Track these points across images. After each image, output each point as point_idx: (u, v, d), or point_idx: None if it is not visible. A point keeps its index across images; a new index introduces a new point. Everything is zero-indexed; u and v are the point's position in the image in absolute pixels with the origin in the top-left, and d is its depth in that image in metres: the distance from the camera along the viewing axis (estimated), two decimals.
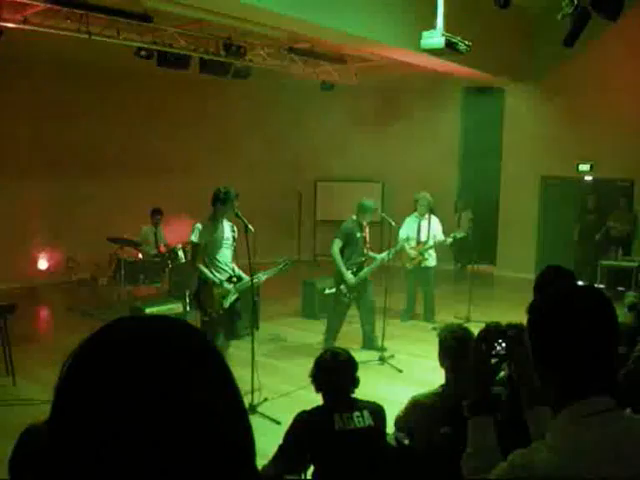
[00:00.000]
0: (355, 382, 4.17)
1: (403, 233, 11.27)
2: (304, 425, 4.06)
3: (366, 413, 4.00)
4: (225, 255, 7.78)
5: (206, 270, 7.65)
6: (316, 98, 16.31)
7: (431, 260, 11.52)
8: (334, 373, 4.10)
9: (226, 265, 7.81)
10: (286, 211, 18.61)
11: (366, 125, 17.14)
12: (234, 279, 7.83)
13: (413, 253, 11.37)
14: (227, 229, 7.78)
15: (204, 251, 7.65)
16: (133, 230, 13.01)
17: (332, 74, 14.60)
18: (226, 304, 7.73)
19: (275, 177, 18.05)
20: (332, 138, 17.68)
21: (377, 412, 4.04)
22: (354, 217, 9.67)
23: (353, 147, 17.47)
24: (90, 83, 14.42)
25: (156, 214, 13.06)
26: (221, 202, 7.61)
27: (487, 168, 16.66)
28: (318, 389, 4.18)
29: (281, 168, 18.20)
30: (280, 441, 4.09)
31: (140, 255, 12.67)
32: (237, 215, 7.45)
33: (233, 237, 7.82)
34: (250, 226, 7.26)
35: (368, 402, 4.14)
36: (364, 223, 9.72)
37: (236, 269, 7.95)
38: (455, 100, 17.30)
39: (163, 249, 13.01)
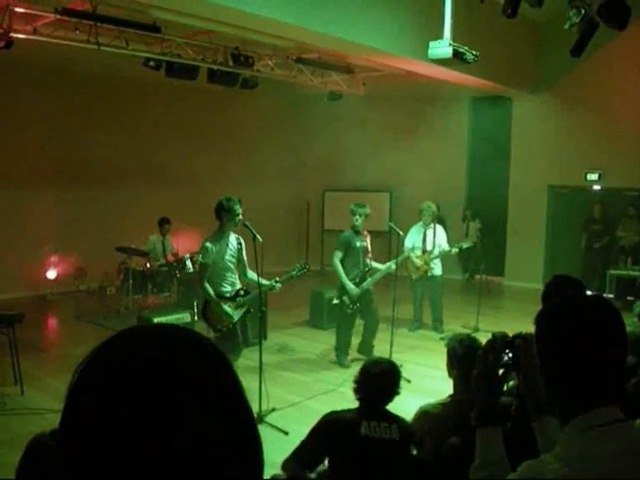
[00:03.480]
0: (391, 395, 4.16)
1: (408, 242, 11.23)
2: (331, 424, 4.12)
3: (394, 427, 4.00)
4: (233, 268, 7.76)
5: (211, 291, 7.59)
6: (324, 108, 16.33)
7: (437, 269, 11.49)
8: (371, 382, 4.11)
9: (233, 278, 7.80)
10: (294, 221, 18.64)
11: (374, 135, 17.15)
12: (241, 292, 7.81)
13: (419, 262, 11.33)
14: (233, 241, 7.76)
15: (212, 267, 7.61)
16: (141, 240, 13.05)
17: (339, 84, 14.63)
18: (235, 318, 7.72)
19: (283, 187, 18.09)
20: (340, 148, 17.69)
21: (406, 431, 4.04)
22: (352, 226, 9.57)
23: (361, 157, 17.47)
24: (99, 94, 14.50)
25: (164, 223, 13.09)
26: (226, 211, 7.52)
27: (495, 178, 16.67)
28: (355, 394, 4.18)
29: (289, 178, 18.24)
30: (303, 437, 4.16)
31: (148, 265, 12.70)
32: (245, 225, 7.43)
33: (239, 249, 7.78)
34: (258, 236, 7.26)
35: (401, 419, 4.13)
36: (364, 232, 9.64)
37: (238, 283, 7.92)
38: (463, 110, 17.31)
39: (171, 259, 13.04)
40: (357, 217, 9.42)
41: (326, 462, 4.11)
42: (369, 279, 9.54)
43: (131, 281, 12.28)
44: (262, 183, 17.26)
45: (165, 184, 15.55)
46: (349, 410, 4.17)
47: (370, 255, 9.70)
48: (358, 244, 9.49)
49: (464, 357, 4.13)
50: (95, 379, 0.93)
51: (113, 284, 14.33)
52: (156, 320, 9.22)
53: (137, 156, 15.23)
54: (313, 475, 4.13)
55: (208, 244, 7.56)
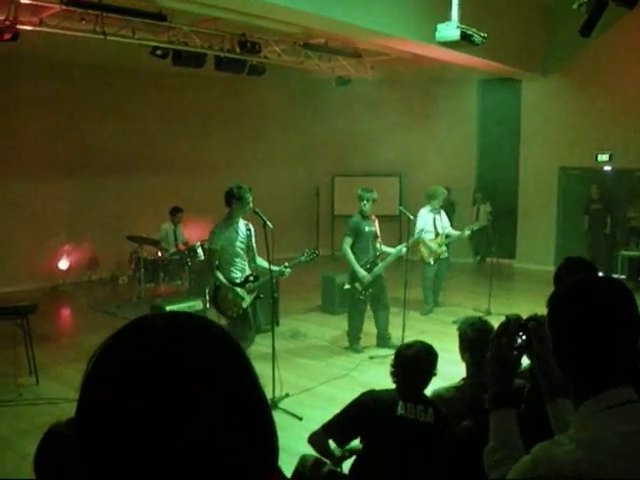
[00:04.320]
0: (426, 377, 4.16)
1: (420, 224, 11.21)
2: (367, 402, 4.13)
3: (430, 411, 4.00)
4: (242, 255, 7.77)
5: (221, 277, 7.61)
6: (332, 93, 16.27)
7: (446, 252, 11.77)
8: (406, 365, 4.12)
9: (243, 265, 7.80)
10: (304, 207, 18.62)
11: (383, 119, 17.08)
12: (251, 278, 7.81)
13: (435, 246, 11.42)
14: (242, 227, 7.76)
15: (221, 253, 7.63)
16: (153, 229, 13.09)
17: (347, 69, 14.56)
18: (245, 304, 7.72)
19: (293, 173, 18.07)
20: (349, 133, 17.65)
21: (441, 416, 4.03)
22: (359, 211, 9.56)
23: (370, 141, 17.43)
24: (108, 83, 14.50)
25: (176, 212, 13.12)
26: (237, 199, 7.55)
27: (505, 160, 16.60)
28: (392, 375, 4.19)
29: (298, 164, 18.22)
30: (338, 411, 4.17)
31: (159, 253, 12.73)
32: (255, 212, 7.42)
33: (248, 235, 7.78)
34: (269, 222, 7.26)
35: (436, 404, 4.13)
36: (373, 217, 9.62)
37: (247, 269, 7.92)
38: (472, 92, 17.23)
39: (182, 247, 13.07)
40: (364, 202, 9.39)
41: (355, 442, 4.13)
42: (380, 264, 9.51)
43: (143, 270, 12.33)
44: (271, 169, 17.27)
45: (175, 172, 15.57)
46: (387, 390, 4.18)
47: (380, 240, 9.69)
48: (367, 229, 9.46)
49: (476, 340, 4.13)
50: (109, 368, 0.93)
51: (125, 273, 14.40)
52: (168, 308, 9.25)
53: (147, 145, 15.26)
54: (339, 452, 4.15)
55: (217, 230, 7.61)
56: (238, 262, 7.74)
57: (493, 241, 13.21)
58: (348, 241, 9.42)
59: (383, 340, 9.69)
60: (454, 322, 9.06)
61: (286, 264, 7.82)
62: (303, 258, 8.03)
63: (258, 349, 8.17)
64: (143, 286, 12.48)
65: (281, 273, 7.80)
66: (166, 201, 13.47)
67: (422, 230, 11.12)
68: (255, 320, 8.01)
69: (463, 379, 4.30)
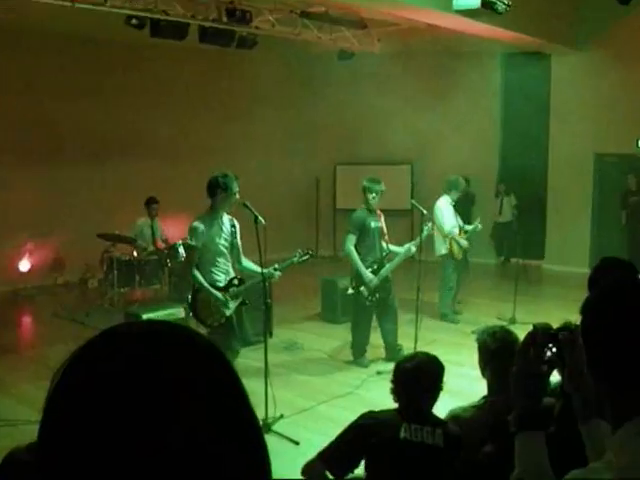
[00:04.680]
0: (432, 393, 4.16)
1: (449, 222, 11.32)
2: (366, 425, 4.12)
3: (439, 432, 3.99)
4: (226, 254, 7.74)
5: (201, 278, 7.56)
6: (334, 69, 16.28)
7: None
8: (410, 380, 4.11)
9: (227, 266, 7.77)
10: (301, 199, 18.64)
11: (392, 99, 17.05)
12: (235, 281, 7.78)
13: (464, 242, 11.54)
14: (226, 223, 7.73)
15: (202, 252, 7.58)
16: (128, 225, 13.05)
17: (351, 41, 14.55)
18: (228, 311, 7.70)
19: (288, 161, 18.07)
20: (353, 115, 17.66)
21: (453, 437, 4.01)
22: (364, 205, 9.51)
23: (377, 124, 17.44)
24: (76, 58, 14.48)
25: (152, 203, 13.08)
26: (222, 189, 7.48)
27: (533, 146, 16.58)
28: (393, 394, 4.19)
29: (295, 151, 18.22)
30: (333, 438, 4.15)
31: (135, 253, 12.71)
32: (245, 205, 7.41)
33: (233, 232, 7.74)
34: (260, 217, 7.25)
35: (446, 423, 4.12)
36: (378, 211, 9.60)
37: (231, 271, 7.90)
38: (495, 68, 17.21)
39: (161, 245, 13.04)
40: (373, 195, 9.35)
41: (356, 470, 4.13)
42: (387, 265, 9.49)
43: (116, 272, 12.32)
44: (264, 157, 17.27)
45: (154, 160, 15.55)
46: (388, 411, 4.17)
47: (387, 237, 9.67)
48: (373, 225, 9.42)
49: (499, 352, 4.13)
50: (76, 384, 0.93)
51: (95, 276, 14.38)
52: (145, 316, 9.23)
53: (120, 128, 15.22)
54: None
55: (198, 224, 7.50)
56: (221, 263, 7.69)
57: (519, 239, 13.21)
58: (352, 239, 9.37)
59: (393, 352, 9.63)
60: (473, 332, 9.08)
61: (276, 266, 7.75)
62: (296, 259, 7.99)
63: (248, 363, 8.17)
64: (116, 291, 12.47)
65: (270, 276, 7.77)
66: (144, 192, 13.40)
67: (456, 226, 11.33)
68: (241, 330, 8.00)
69: (484, 397, 4.30)
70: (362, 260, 9.35)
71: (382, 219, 9.62)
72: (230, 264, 7.81)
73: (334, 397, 8.42)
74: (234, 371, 1.01)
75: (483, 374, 4.39)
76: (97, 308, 12.34)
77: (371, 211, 9.47)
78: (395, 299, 9.78)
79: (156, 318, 9.15)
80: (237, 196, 7.60)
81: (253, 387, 7.06)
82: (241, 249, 7.88)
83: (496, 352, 4.17)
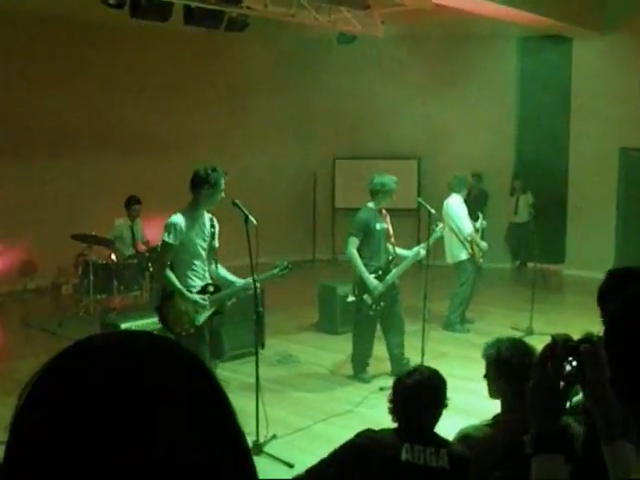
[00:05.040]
0: (434, 410, 4.17)
1: (468, 225, 11.38)
2: (363, 445, 4.11)
3: (443, 453, 3.99)
4: (204, 258, 7.69)
5: (175, 279, 7.46)
6: (333, 54, 16.29)
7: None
8: (411, 397, 4.11)
9: (204, 270, 7.72)
10: (297, 197, 18.61)
11: (397, 87, 17.04)
12: (210, 288, 7.73)
13: (484, 244, 11.57)
14: (207, 222, 7.67)
15: (178, 252, 7.47)
16: (106, 225, 13.02)
17: (352, 23, 14.54)
18: (199, 321, 7.61)
19: (282, 154, 18.02)
20: (354, 104, 17.63)
21: (459, 458, 4.00)
22: (370, 204, 9.48)
23: (381, 115, 17.42)
24: (47, 41, 14.42)
25: (133, 204, 13.05)
26: (210, 185, 7.40)
27: (552, 139, 16.56)
28: (392, 413, 4.19)
29: (290, 143, 18.19)
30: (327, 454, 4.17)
31: (113, 256, 12.70)
32: (234, 204, 7.39)
33: (212, 233, 7.70)
34: (251, 217, 7.24)
35: (451, 443, 4.12)
36: (384, 211, 9.58)
37: (208, 276, 7.82)
38: (510, 53, 17.23)
39: (142, 248, 13.04)
40: (391, 195, 9.39)
41: None
42: (394, 270, 9.47)
43: (92, 277, 12.29)
44: (255, 150, 17.23)
45: (135, 154, 15.51)
46: (387, 430, 4.18)
47: (393, 240, 9.66)
48: (378, 227, 9.40)
49: (513, 366, 4.13)
50: (48, 399, 0.93)
51: (69, 281, 14.36)
52: (124, 326, 9.24)
53: (98, 119, 15.16)
54: None
55: (178, 220, 7.40)
56: (198, 266, 7.60)
57: (536, 241, 13.20)
58: (355, 241, 9.33)
59: (399, 366, 9.51)
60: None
61: (255, 277, 7.70)
62: (276, 272, 7.90)
63: (238, 378, 8.18)
64: (92, 297, 12.44)
65: (245, 288, 7.75)
66: (123, 190, 13.36)
67: (479, 225, 11.41)
68: (217, 342, 7.90)
69: (497, 416, 4.30)
70: (366, 265, 9.32)
71: (388, 220, 9.61)
72: (207, 269, 7.77)
73: (332, 415, 8.41)
74: (219, 384, 1.01)
75: (491, 392, 4.40)
76: (71, 317, 12.30)
77: (376, 211, 9.47)
78: (401, 308, 9.77)
79: (136, 328, 9.14)
80: (223, 194, 7.56)
81: (243, 404, 7.07)
82: (217, 254, 7.87)
83: (510, 366, 4.18)
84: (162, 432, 0.92)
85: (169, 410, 0.93)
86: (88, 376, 0.93)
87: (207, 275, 7.76)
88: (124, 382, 0.93)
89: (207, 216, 7.69)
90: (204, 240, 7.61)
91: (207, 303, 7.58)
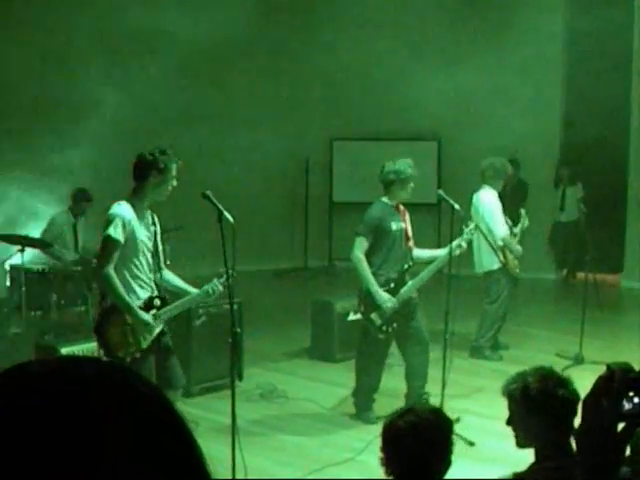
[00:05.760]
0: (435, 465, 4.15)
1: (502, 225, 11.34)
2: None
3: None
4: (149, 261, 7.58)
5: (120, 286, 7.30)
6: (334, 8, 16.31)
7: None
8: (402, 448, 4.11)
9: (149, 278, 7.58)
10: (285, 189, 18.61)
11: (410, 48, 17.08)
12: (157, 302, 7.65)
13: (519, 249, 11.55)
14: (148, 219, 7.58)
15: (120, 255, 7.31)
16: (41, 222, 13.02)
17: None
18: (145, 343, 7.50)
19: (268, 135, 17.98)
20: (356, 70, 17.65)
21: None
22: (385, 199, 9.38)
23: (390, 84, 17.44)
24: None
25: (81, 199, 12.98)
26: (159, 171, 7.29)
27: (609, 117, 16.58)
28: (385, 467, 4.19)
29: (277, 121, 18.16)
30: None
31: (51, 262, 12.68)
32: (205, 196, 7.35)
33: (155, 232, 7.65)
34: (227, 214, 7.24)
35: None
36: (401, 206, 9.52)
37: (154, 286, 7.72)
38: (555, 6, 17.25)
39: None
40: (412, 185, 9.30)
41: None
42: (410, 282, 9.36)
43: (24, 289, 12.27)
44: (233, 129, 17.22)
45: (78, 129, 15.45)
46: None
47: (411, 243, 9.57)
48: (394, 226, 9.25)
49: (552, 406, 4.14)
50: None
51: None
52: (64, 351, 9.24)
53: (36, 86, 15.18)
54: None
55: (124, 211, 7.29)
56: (143, 273, 7.49)
57: (588, 245, 13.22)
58: (362, 244, 9.18)
59: (416, 402, 9.50)
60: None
61: (216, 281, 7.53)
62: (205, 291, 7.62)
63: (209, 418, 8.17)
64: (25, 314, 12.41)
65: (206, 294, 7.70)
66: (67, 178, 13.37)
67: (518, 230, 11.40)
68: (171, 369, 7.82)
69: (533, 465, 4.31)
70: (374, 274, 9.18)
71: (407, 218, 9.52)
72: (152, 277, 7.66)
73: (328, 465, 8.36)
74: (188, 428, 1.02)
75: (519, 440, 4.40)
76: None
77: (392, 207, 9.40)
78: (424, 328, 9.61)
79: (80, 353, 9.15)
80: (174, 183, 7.48)
81: (215, 450, 7.08)
82: (162, 257, 7.83)
83: (543, 402, 4.19)
84: (108, 464, 0.92)
85: (118, 442, 0.94)
86: (17, 415, 0.94)
87: (153, 285, 7.62)
88: (66, 412, 0.93)
89: (148, 212, 7.62)
90: (149, 239, 7.53)
91: (156, 323, 7.47)
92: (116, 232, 7.22)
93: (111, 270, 7.24)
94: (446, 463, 4.16)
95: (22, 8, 15.07)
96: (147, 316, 7.39)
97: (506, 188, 11.85)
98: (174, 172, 7.40)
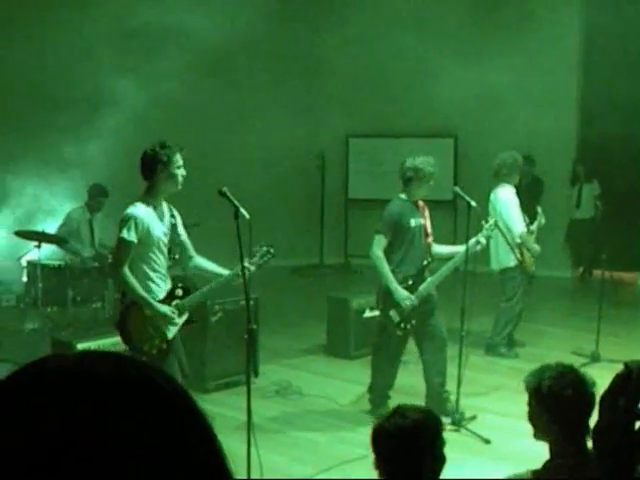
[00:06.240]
0: (434, 459, 4.13)
1: (520, 223, 11.30)
2: None
3: None
4: (165, 255, 7.63)
5: (136, 284, 7.39)
6: (348, 1, 16.28)
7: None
8: (390, 451, 4.10)
9: (166, 270, 7.64)
10: (300, 185, 18.58)
11: (426, 41, 17.03)
12: (179, 292, 7.68)
13: (536, 247, 11.53)
14: (166, 213, 7.64)
15: (137, 252, 7.40)
16: (59, 218, 13.02)
17: None
18: (170, 333, 7.57)
19: (281, 131, 17.95)
20: (372, 64, 17.61)
21: None
22: (403, 196, 9.34)
23: (406, 79, 17.41)
24: None
25: (98, 195, 12.97)
26: (164, 165, 7.32)
27: (628, 111, 16.50)
28: (381, 473, 4.18)
29: (291, 116, 18.11)
30: None
31: (68, 259, 12.68)
32: (222, 193, 7.36)
33: (173, 226, 7.70)
34: (243, 210, 7.23)
35: None
36: (420, 202, 9.49)
37: (169, 279, 7.83)
38: (572, 0, 17.21)
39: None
40: (431, 182, 9.28)
41: None
42: (429, 279, 9.34)
43: (40, 285, 12.29)
44: (246, 126, 17.20)
45: (95, 125, 15.44)
46: None
47: (431, 239, 9.53)
48: (413, 223, 9.23)
49: (558, 401, 4.13)
50: None
51: (11, 290, 14.36)
52: (81, 346, 9.25)
53: (52, 78, 15.19)
54: None
55: (137, 212, 7.37)
56: (160, 266, 7.57)
57: (604, 243, 13.17)
58: (381, 241, 9.18)
59: (436, 400, 9.43)
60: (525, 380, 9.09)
61: (247, 262, 7.45)
62: (257, 259, 7.72)
63: (224, 414, 8.16)
64: (41, 310, 12.43)
65: (236, 277, 7.65)
66: (84, 174, 13.37)
67: (535, 227, 11.44)
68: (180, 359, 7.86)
69: (548, 462, 4.30)
70: (394, 272, 9.16)
71: (426, 214, 9.50)
72: (167, 271, 7.73)
73: (345, 462, 8.35)
74: (209, 424, 1.02)
75: (536, 432, 4.38)
76: (14, 333, 12.32)
77: (411, 204, 9.36)
78: (442, 325, 9.58)
79: (96, 348, 9.15)
80: (183, 172, 7.50)
81: (231, 447, 7.02)
82: (189, 244, 7.89)
83: (555, 400, 4.17)
84: (130, 461, 0.93)
85: (138, 438, 0.94)
86: (39, 412, 0.94)
87: (168, 278, 7.73)
88: (84, 421, 0.93)
89: (165, 205, 7.68)
90: (165, 235, 7.58)
91: (178, 313, 7.56)
92: (129, 234, 7.33)
93: (125, 270, 7.36)
94: (439, 461, 4.14)
95: (38, 4, 15.09)
96: (165, 308, 7.48)
97: (521, 184, 11.80)
98: (180, 162, 7.43)
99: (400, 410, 4.24)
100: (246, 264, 7.36)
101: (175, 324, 7.57)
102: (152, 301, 7.43)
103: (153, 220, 7.47)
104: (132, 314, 7.56)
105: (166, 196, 7.62)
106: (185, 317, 7.68)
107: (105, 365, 1.01)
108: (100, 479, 0.91)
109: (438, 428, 4.17)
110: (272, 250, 7.79)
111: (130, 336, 7.60)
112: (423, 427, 4.14)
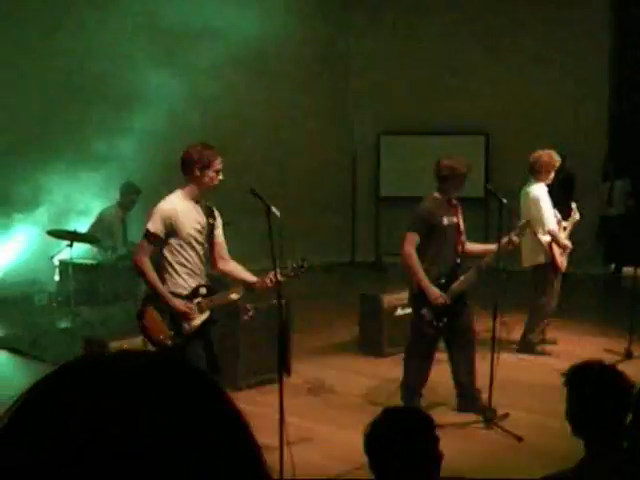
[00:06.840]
0: (428, 459, 4.12)
1: (552, 219, 11.26)
2: None
3: None
4: (201, 253, 7.70)
5: (152, 273, 7.50)
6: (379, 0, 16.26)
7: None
8: (390, 451, 4.08)
9: (199, 268, 7.69)
10: (332, 184, 18.57)
11: (459, 41, 17.00)
12: (202, 290, 7.70)
13: (568, 243, 11.49)
14: (204, 213, 7.68)
15: (166, 244, 7.49)
16: (92, 217, 13.06)
17: None
18: (187, 329, 7.57)
19: (313, 130, 17.97)
20: (404, 64, 17.59)
21: None
22: (436, 194, 9.30)
23: (437, 78, 17.38)
24: None
25: (130, 192, 13.01)
26: (202, 165, 7.41)
27: None
28: (372, 469, 4.17)
29: (323, 114, 18.12)
30: None
31: (100, 257, 12.72)
32: (253, 193, 7.39)
33: (211, 225, 7.74)
34: (274, 208, 7.24)
35: None
36: (454, 201, 9.46)
37: (204, 277, 7.84)
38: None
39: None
40: (460, 181, 9.24)
41: None
42: (463, 277, 9.30)
43: (73, 283, 12.32)
44: (277, 125, 17.19)
45: (130, 123, 15.44)
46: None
47: (464, 238, 9.50)
48: (446, 221, 9.21)
49: (601, 400, 4.10)
50: (25, 439, 0.94)
51: (44, 289, 14.39)
52: (113, 345, 9.27)
53: (85, 74, 15.22)
54: None
55: (167, 206, 7.48)
56: (192, 264, 7.61)
57: (635, 241, 13.10)
58: (414, 239, 9.13)
59: (468, 399, 9.52)
60: (563, 375, 9.04)
61: (279, 271, 7.50)
62: (289, 271, 7.74)
63: (256, 411, 8.16)
64: (73, 309, 12.47)
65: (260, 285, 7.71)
66: (117, 172, 13.42)
67: (568, 224, 11.40)
68: (211, 360, 7.84)
69: (582, 461, 4.28)
70: (426, 270, 9.11)
71: (460, 213, 9.48)
72: (203, 267, 7.78)
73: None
74: (246, 422, 1.02)
75: (575, 430, 4.36)
76: (47, 333, 12.37)
77: (445, 202, 9.33)
78: (472, 323, 9.61)
79: (128, 347, 9.18)
80: (221, 176, 7.55)
81: (263, 444, 7.04)
82: (225, 247, 7.93)
83: (600, 402, 4.15)
84: (163, 456, 0.93)
85: (181, 449, 0.94)
86: (76, 412, 0.94)
87: (202, 275, 7.78)
88: (122, 422, 0.93)
89: (205, 205, 7.73)
90: (199, 233, 7.62)
91: (198, 311, 7.63)
92: (154, 226, 7.46)
93: (143, 258, 7.51)
94: (434, 460, 4.12)
95: (77, 2, 15.16)
96: (177, 303, 7.52)
97: (557, 180, 11.75)
98: (219, 166, 7.51)
99: (388, 412, 4.26)
100: (278, 276, 7.44)
101: (192, 321, 7.61)
102: (165, 293, 7.51)
103: (186, 216, 7.54)
104: (149, 304, 7.68)
105: (201, 195, 7.67)
106: (205, 316, 7.73)
107: (138, 360, 1.01)
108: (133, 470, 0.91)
109: (429, 427, 4.16)
110: (306, 264, 7.85)
111: (144, 325, 7.69)
112: (413, 428, 4.15)
